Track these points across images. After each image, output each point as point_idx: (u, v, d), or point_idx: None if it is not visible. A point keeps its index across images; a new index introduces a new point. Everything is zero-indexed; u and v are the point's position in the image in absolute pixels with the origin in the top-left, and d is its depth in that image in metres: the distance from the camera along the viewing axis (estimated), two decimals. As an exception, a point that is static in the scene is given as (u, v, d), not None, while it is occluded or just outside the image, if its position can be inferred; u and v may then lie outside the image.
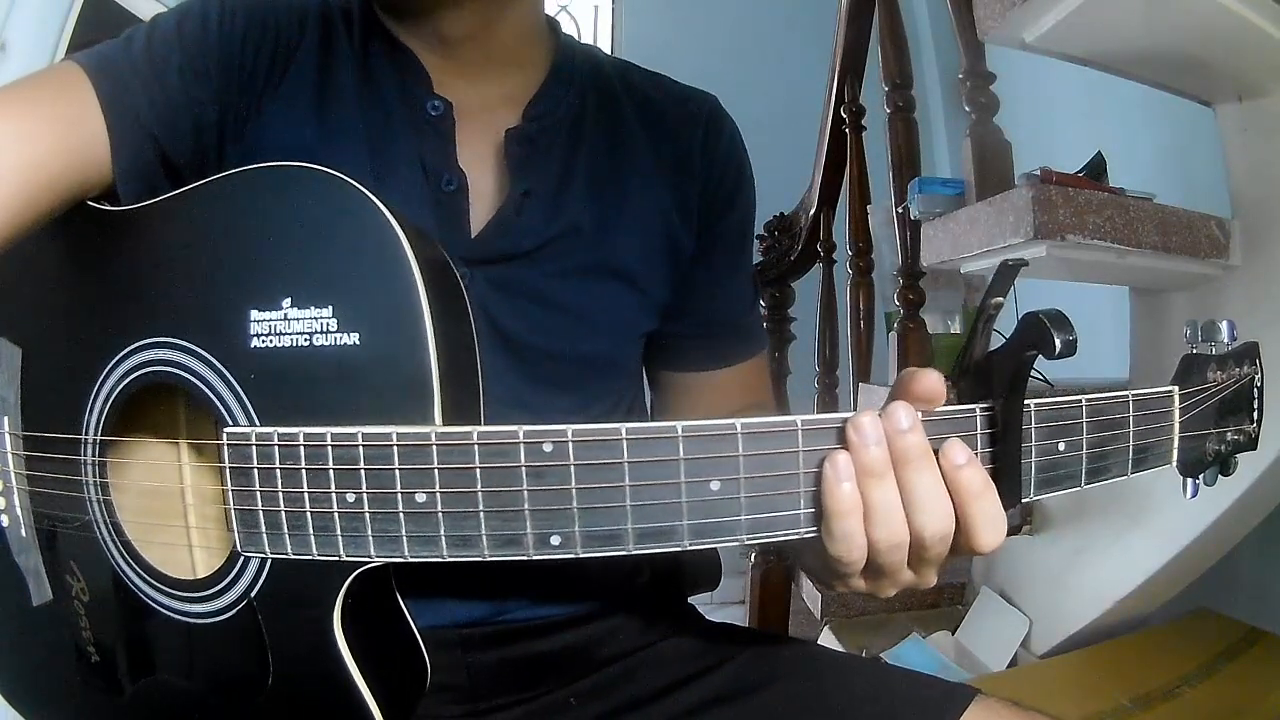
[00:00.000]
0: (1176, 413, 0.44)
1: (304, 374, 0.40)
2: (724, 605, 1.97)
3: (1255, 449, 0.48)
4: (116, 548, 0.47)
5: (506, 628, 0.58)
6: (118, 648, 0.49)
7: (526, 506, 0.36)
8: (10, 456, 0.51)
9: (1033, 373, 0.38)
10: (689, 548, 0.37)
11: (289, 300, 0.40)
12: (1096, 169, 1.22)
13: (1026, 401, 0.38)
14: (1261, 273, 1.08)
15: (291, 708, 0.43)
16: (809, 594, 1.55)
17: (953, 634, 1.41)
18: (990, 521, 0.38)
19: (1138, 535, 1.18)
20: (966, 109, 1.35)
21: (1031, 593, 1.35)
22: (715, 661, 0.59)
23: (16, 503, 0.51)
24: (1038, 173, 1.07)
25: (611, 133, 0.62)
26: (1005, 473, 0.38)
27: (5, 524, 0.52)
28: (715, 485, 0.36)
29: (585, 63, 0.64)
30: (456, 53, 0.58)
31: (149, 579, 0.46)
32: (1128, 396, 0.42)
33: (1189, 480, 0.47)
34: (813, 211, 1.88)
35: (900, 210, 1.46)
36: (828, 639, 1.44)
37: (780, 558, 1.67)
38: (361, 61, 0.57)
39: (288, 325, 0.40)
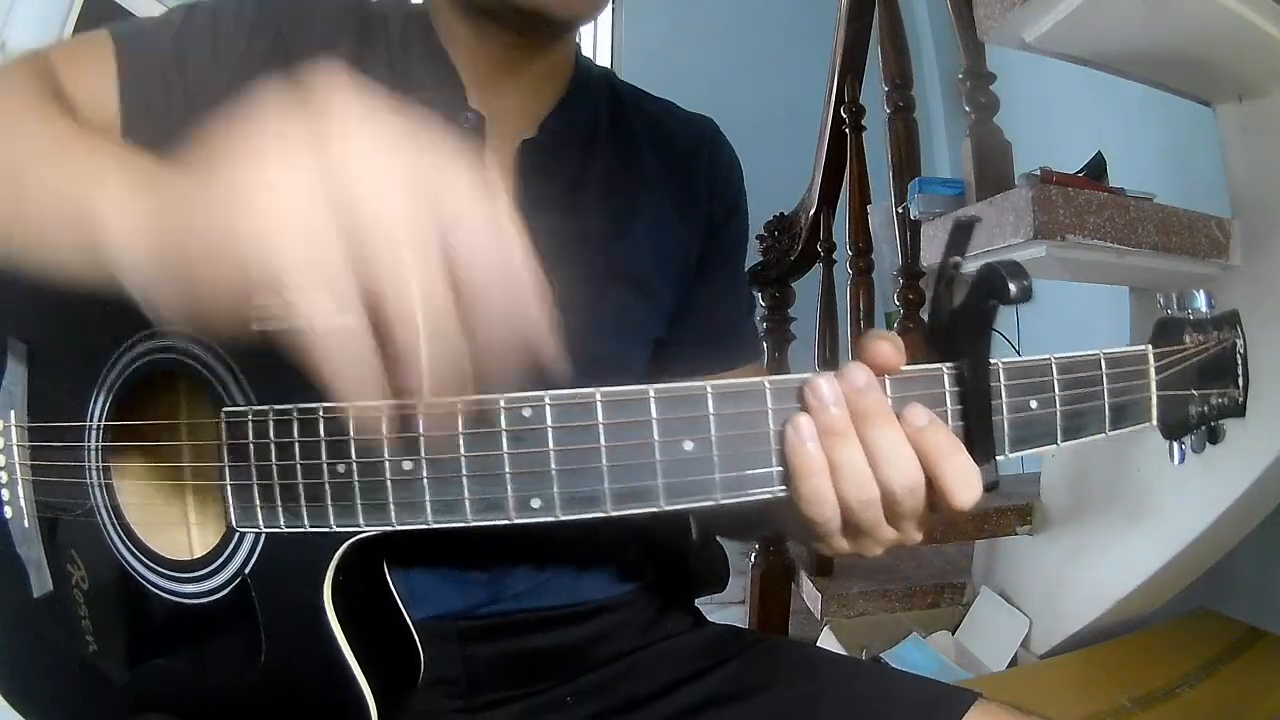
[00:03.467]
0: (1153, 370, 0.43)
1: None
2: (724, 605, 1.97)
3: (1244, 415, 0.47)
4: (117, 532, 0.47)
5: (504, 620, 0.58)
6: (116, 633, 0.49)
7: (507, 470, 0.37)
8: (15, 449, 0.52)
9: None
10: (666, 509, 0.37)
11: None
12: (1096, 169, 1.23)
13: (994, 361, 0.38)
14: (1261, 273, 1.09)
15: (285, 687, 0.43)
16: (809, 594, 1.55)
17: (953, 634, 1.41)
18: (964, 478, 0.37)
19: (1138, 535, 1.19)
20: (966, 109, 1.35)
21: (1031, 593, 1.35)
22: (714, 662, 0.59)
23: (20, 493, 0.52)
24: (1038, 173, 1.07)
25: (623, 149, 0.63)
26: (976, 428, 0.38)
27: (9, 515, 0.52)
28: (689, 445, 0.37)
29: (601, 82, 0.66)
30: (504, 61, 0.58)
31: (147, 562, 0.47)
32: (1099, 355, 0.42)
33: (1175, 445, 0.46)
34: (813, 211, 1.88)
35: (900, 210, 1.46)
36: (828, 639, 1.44)
37: (780, 556, 1.67)
38: (397, 66, 0.57)
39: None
